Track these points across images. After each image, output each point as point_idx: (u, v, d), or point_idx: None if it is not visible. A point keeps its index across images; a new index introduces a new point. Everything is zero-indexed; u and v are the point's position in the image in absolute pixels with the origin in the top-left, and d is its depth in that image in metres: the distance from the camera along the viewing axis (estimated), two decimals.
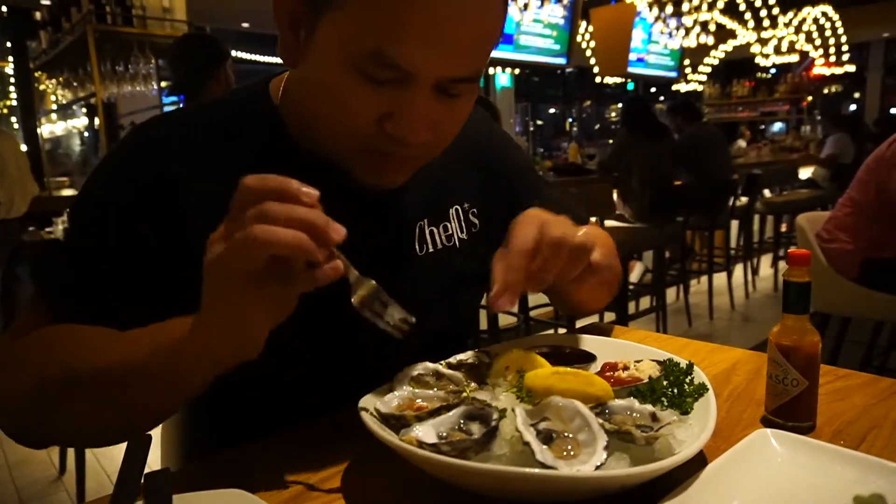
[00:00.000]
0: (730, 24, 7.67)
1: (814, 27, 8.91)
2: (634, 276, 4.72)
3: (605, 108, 16.38)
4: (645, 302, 4.33)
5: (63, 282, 0.71)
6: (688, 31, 6.97)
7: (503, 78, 9.31)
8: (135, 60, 4.25)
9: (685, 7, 6.65)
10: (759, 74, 11.89)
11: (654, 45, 7.09)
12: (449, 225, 0.86)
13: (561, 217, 0.66)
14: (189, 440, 0.95)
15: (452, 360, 0.72)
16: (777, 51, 8.72)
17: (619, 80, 7.75)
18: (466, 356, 0.72)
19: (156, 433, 0.67)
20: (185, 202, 0.69)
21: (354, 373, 0.70)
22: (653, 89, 14.17)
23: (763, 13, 7.76)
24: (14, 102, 7.88)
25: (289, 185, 0.53)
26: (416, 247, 0.82)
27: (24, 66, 6.82)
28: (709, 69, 9.08)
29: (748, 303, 4.81)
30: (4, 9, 6.77)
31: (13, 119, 8.34)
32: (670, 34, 6.94)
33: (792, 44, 8.70)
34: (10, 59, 7.37)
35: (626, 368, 0.66)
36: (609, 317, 3.71)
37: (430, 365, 0.67)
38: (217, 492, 0.55)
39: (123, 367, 0.61)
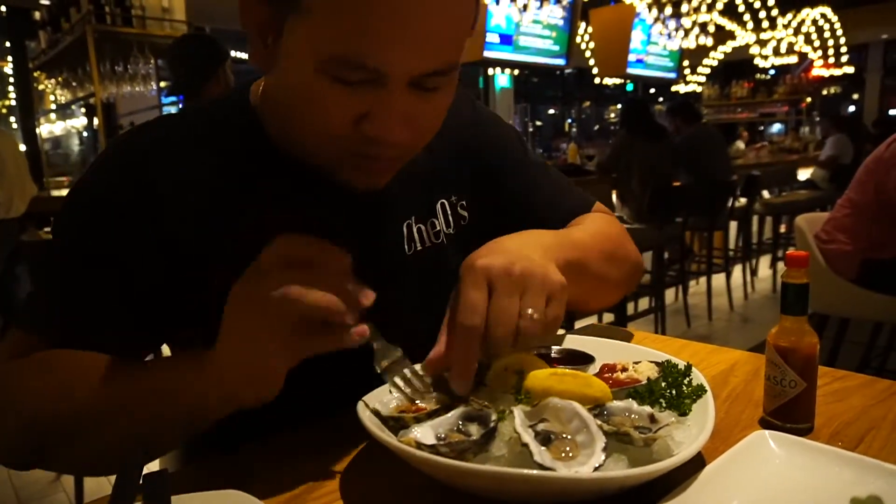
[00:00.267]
0: (729, 25, 7.68)
1: (813, 28, 8.93)
2: None
3: (604, 108, 16.38)
4: (644, 303, 4.33)
5: (52, 306, 0.71)
6: (687, 32, 6.98)
7: (502, 79, 9.32)
8: (134, 61, 4.24)
9: (684, 8, 6.66)
10: (758, 76, 11.91)
11: (653, 46, 7.09)
12: (436, 221, 0.85)
13: (518, 245, 0.65)
14: (188, 441, 0.94)
15: None
16: (776, 52, 8.74)
17: (618, 81, 7.75)
18: None
19: None
20: (167, 215, 0.69)
21: (353, 373, 0.70)
22: (652, 90, 14.17)
23: (762, 14, 7.78)
24: (13, 102, 7.88)
25: (323, 249, 0.56)
26: (405, 246, 0.81)
27: (24, 66, 6.82)
28: (708, 70, 9.10)
29: (747, 304, 4.82)
30: (3, 9, 6.76)
31: (12, 119, 8.33)
32: (669, 35, 6.95)
33: (791, 45, 8.72)
34: (10, 58, 7.37)
35: (624, 370, 0.66)
36: (608, 317, 3.71)
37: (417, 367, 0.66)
38: (216, 493, 0.55)
39: (128, 410, 0.63)
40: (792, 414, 0.66)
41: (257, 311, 0.55)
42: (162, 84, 4.78)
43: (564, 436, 0.54)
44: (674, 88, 8.91)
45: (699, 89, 10.03)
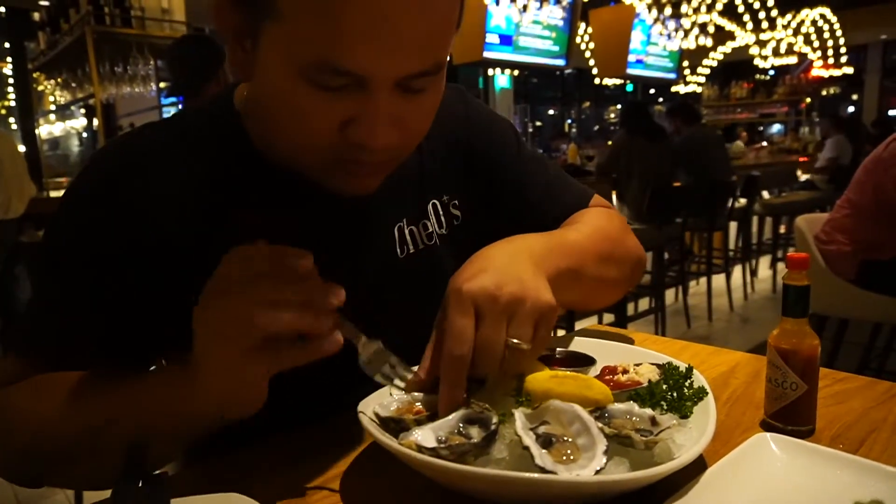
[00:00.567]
0: (728, 25, 7.69)
1: (812, 29, 8.94)
2: None
3: (603, 109, 16.39)
4: (644, 303, 4.33)
5: (41, 330, 0.71)
6: (686, 32, 6.99)
7: (502, 79, 9.33)
8: (133, 61, 4.24)
9: (684, 9, 6.67)
10: (757, 76, 11.92)
11: (652, 47, 7.10)
12: (428, 223, 0.83)
13: (504, 262, 0.63)
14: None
15: None
16: (775, 53, 8.75)
17: (617, 81, 7.75)
18: None
19: None
20: (151, 226, 0.68)
21: (352, 376, 0.70)
22: (651, 91, 14.19)
23: (761, 15, 7.79)
24: (13, 103, 7.87)
25: (282, 255, 0.53)
26: (398, 250, 0.80)
27: (23, 67, 6.82)
28: (707, 71, 9.11)
29: (747, 304, 4.82)
30: (3, 10, 6.76)
31: (11, 120, 8.33)
32: (669, 36, 6.96)
33: (790, 46, 8.73)
34: (9, 59, 7.37)
35: (625, 372, 0.66)
36: (608, 317, 3.71)
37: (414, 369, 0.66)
38: (216, 496, 0.55)
39: (119, 425, 0.62)
40: (793, 416, 0.66)
41: (226, 334, 0.53)
42: (162, 85, 4.78)
43: (565, 438, 0.54)
44: (673, 89, 8.91)
45: (699, 90, 10.04)
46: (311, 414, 0.73)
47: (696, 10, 6.74)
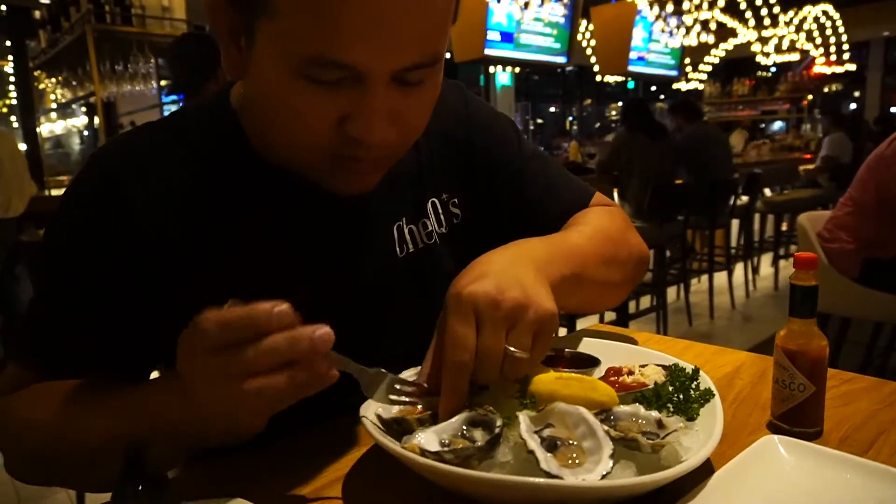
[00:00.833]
0: (730, 22, 7.66)
1: (814, 26, 8.90)
2: None
3: (605, 106, 16.37)
4: (645, 301, 4.32)
5: (40, 338, 0.70)
6: (688, 29, 6.96)
7: (503, 77, 9.31)
8: (134, 60, 4.24)
9: (686, 6, 6.64)
10: (759, 73, 11.89)
11: (654, 44, 7.07)
12: (428, 221, 0.82)
13: (505, 268, 0.61)
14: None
15: None
16: (777, 49, 8.71)
17: (619, 78, 7.73)
18: None
19: None
20: (148, 227, 0.67)
21: (353, 379, 0.70)
22: (653, 88, 14.16)
23: (763, 12, 7.76)
24: (14, 101, 7.87)
25: (257, 316, 0.49)
26: (397, 249, 0.79)
27: (24, 66, 6.81)
28: (709, 68, 9.08)
29: (748, 302, 4.81)
30: (4, 8, 6.75)
31: (13, 118, 8.33)
32: (671, 33, 6.93)
33: (792, 42, 8.70)
34: (10, 58, 7.36)
35: (630, 373, 0.65)
36: (609, 315, 3.70)
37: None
38: (217, 500, 0.54)
39: (118, 434, 0.61)
40: (800, 418, 0.65)
41: (217, 394, 0.51)
42: (162, 83, 4.77)
43: (571, 442, 0.53)
44: (675, 86, 8.89)
45: (700, 87, 10.02)
46: (312, 416, 0.72)
47: (698, 7, 6.71)
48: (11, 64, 7.39)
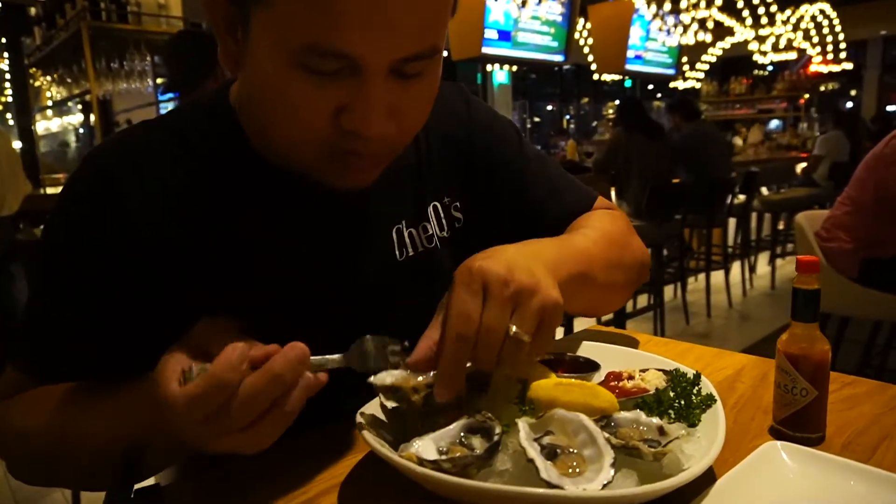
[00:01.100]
0: (728, 21, 7.67)
1: (811, 25, 8.91)
2: None
3: (602, 105, 16.36)
4: (643, 300, 4.32)
5: (36, 343, 0.70)
6: (686, 28, 6.96)
7: (500, 75, 9.30)
8: (130, 57, 4.21)
9: (683, 4, 6.64)
10: (756, 72, 11.90)
11: (651, 43, 7.07)
12: (428, 225, 0.81)
13: (515, 257, 0.60)
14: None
15: None
16: (775, 48, 8.72)
17: (616, 77, 7.73)
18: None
19: None
20: (144, 226, 0.66)
21: (350, 382, 0.69)
22: (650, 86, 14.16)
23: (761, 10, 7.76)
24: (9, 99, 7.82)
25: (224, 382, 0.49)
26: (396, 252, 0.78)
27: (19, 63, 6.77)
28: (706, 66, 9.09)
29: (745, 301, 4.81)
30: None
31: (8, 116, 8.28)
32: (668, 31, 6.93)
33: (790, 41, 8.70)
34: (5, 55, 7.32)
35: (630, 378, 0.64)
36: (607, 315, 3.69)
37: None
38: None
39: (111, 436, 0.62)
40: (803, 423, 0.64)
41: (220, 446, 0.52)
42: (159, 81, 4.74)
43: (571, 450, 0.52)
44: (672, 85, 8.90)
45: (698, 85, 10.03)
46: (307, 421, 0.71)
47: (696, 6, 6.71)
48: (6, 61, 7.35)
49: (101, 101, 4.63)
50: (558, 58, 6.07)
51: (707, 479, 0.52)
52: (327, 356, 0.56)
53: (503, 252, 0.62)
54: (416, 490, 0.53)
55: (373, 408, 0.62)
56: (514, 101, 10.86)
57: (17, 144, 4.91)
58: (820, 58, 9.63)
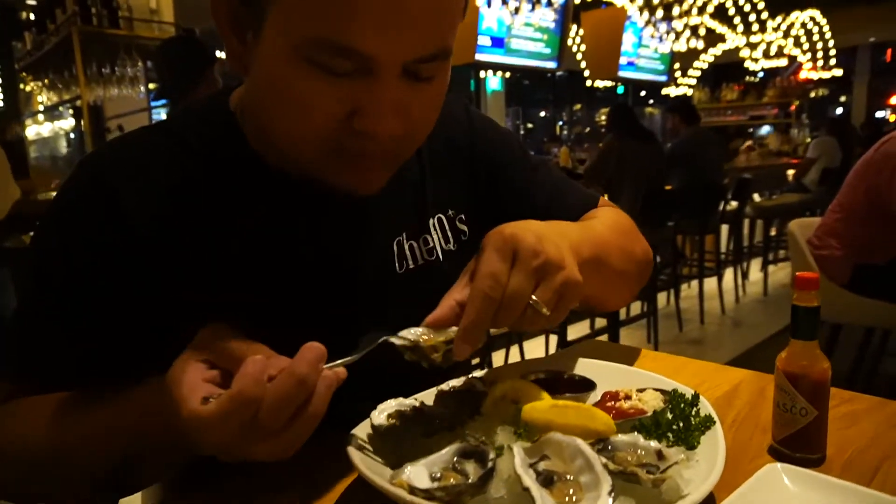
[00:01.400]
0: (719, 28, 7.70)
1: (801, 31, 8.97)
2: None
3: (595, 111, 16.43)
4: (636, 307, 4.31)
5: (28, 355, 0.68)
6: (678, 35, 6.99)
7: (493, 81, 9.30)
8: (121, 63, 4.18)
9: (675, 11, 6.67)
10: (747, 78, 11.96)
11: (644, 49, 7.10)
12: (430, 238, 0.81)
13: (547, 232, 0.61)
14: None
15: (445, 386, 0.68)
16: (766, 55, 8.77)
17: (609, 83, 7.75)
18: (459, 382, 0.69)
19: None
20: (142, 231, 0.65)
21: (344, 396, 0.67)
22: (643, 93, 14.22)
23: (752, 18, 7.80)
24: (0, 104, 7.76)
25: (251, 397, 0.48)
26: (396, 264, 0.77)
27: (10, 67, 6.72)
28: (698, 73, 9.11)
29: (738, 307, 4.81)
30: None
31: None
32: (660, 38, 6.95)
33: (780, 48, 8.75)
34: None
35: (627, 398, 0.63)
36: (600, 322, 3.69)
37: (406, 401, 0.63)
38: None
39: (102, 447, 0.60)
40: (803, 443, 0.63)
41: (248, 455, 0.52)
42: (151, 86, 4.71)
43: (567, 476, 0.50)
44: (664, 91, 8.92)
45: (690, 92, 10.05)
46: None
47: (688, 13, 6.74)
48: None
49: (92, 107, 4.60)
50: (551, 64, 6.08)
51: (707, 503, 0.51)
52: (342, 359, 0.56)
53: (533, 224, 0.63)
54: None
55: (364, 429, 0.61)
56: (507, 108, 10.88)
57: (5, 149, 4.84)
58: (810, 64, 9.70)
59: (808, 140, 8.02)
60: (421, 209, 0.81)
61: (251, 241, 0.69)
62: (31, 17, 5.20)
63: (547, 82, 14.48)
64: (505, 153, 0.89)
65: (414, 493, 0.48)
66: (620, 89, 10.75)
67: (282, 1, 0.54)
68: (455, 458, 0.53)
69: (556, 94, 15.12)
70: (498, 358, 3.29)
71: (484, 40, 5.35)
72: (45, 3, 4.63)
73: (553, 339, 3.45)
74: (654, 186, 4.14)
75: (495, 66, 5.85)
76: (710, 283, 4.62)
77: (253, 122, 0.69)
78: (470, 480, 0.50)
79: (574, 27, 6.56)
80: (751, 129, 12.64)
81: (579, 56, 7.08)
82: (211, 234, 0.67)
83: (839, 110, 13.68)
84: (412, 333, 0.58)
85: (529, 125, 15.15)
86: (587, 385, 0.68)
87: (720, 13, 7.25)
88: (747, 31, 8.03)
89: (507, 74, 7.83)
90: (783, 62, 9.22)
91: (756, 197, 5.77)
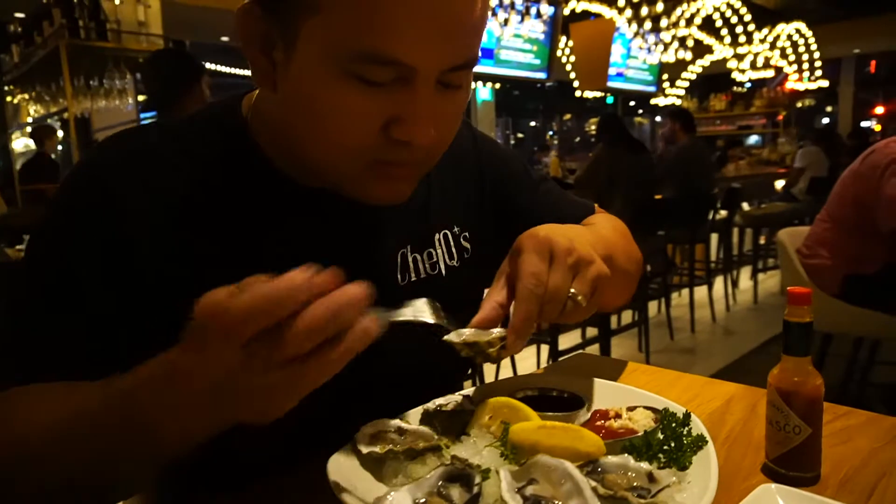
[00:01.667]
0: (707, 39, 7.79)
1: (788, 43, 9.08)
2: None
3: (584, 121, 16.53)
4: (627, 316, 4.31)
5: (21, 359, 0.64)
6: (666, 46, 7.05)
7: (483, 92, 9.33)
8: (109, 75, 4.15)
9: (664, 23, 6.73)
10: (735, 89, 12.08)
11: (633, 60, 7.16)
12: (434, 252, 0.81)
13: (572, 234, 0.65)
14: (161, 485, 0.88)
15: (431, 405, 0.67)
16: (753, 66, 8.86)
17: (598, 94, 7.80)
18: (447, 401, 0.67)
19: None
20: (141, 234, 0.63)
21: (334, 413, 0.65)
22: (632, 103, 14.34)
23: (739, 29, 7.89)
24: None
25: (291, 294, 0.43)
26: (399, 276, 0.77)
27: None
28: (687, 84, 9.19)
29: (729, 315, 4.82)
30: None
31: None
32: (649, 49, 7.01)
33: (767, 59, 8.85)
34: None
35: (618, 417, 0.61)
36: (591, 332, 3.67)
37: (391, 422, 0.61)
38: None
39: (84, 449, 0.56)
40: (797, 462, 0.61)
41: (254, 385, 0.45)
42: (140, 98, 4.68)
43: (556, 502, 0.49)
44: (653, 101, 8.98)
45: (678, 102, 10.14)
46: (285, 458, 0.67)
47: (676, 25, 6.81)
48: None
49: (80, 120, 4.56)
50: (541, 75, 6.11)
51: None
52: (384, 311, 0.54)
53: (558, 227, 0.68)
54: None
55: (346, 453, 0.59)
56: (497, 118, 10.92)
57: None
58: (796, 75, 9.81)
59: (797, 148, 8.08)
60: (427, 224, 0.81)
61: (252, 242, 0.68)
62: (19, 29, 5.16)
63: (537, 92, 14.56)
64: (510, 173, 0.91)
65: None
66: (610, 99, 10.83)
67: (319, 16, 0.54)
68: (440, 483, 0.51)
69: (546, 104, 15.21)
70: (489, 369, 3.26)
71: None
72: (32, 16, 4.60)
73: (545, 348, 3.43)
74: (644, 196, 4.15)
75: (485, 77, 5.88)
76: (701, 292, 4.62)
77: (273, 136, 0.69)
78: None
79: (563, 38, 6.60)
80: (739, 139, 12.77)
81: (569, 67, 7.12)
82: (212, 241, 0.66)
83: (825, 120, 13.83)
84: (462, 333, 0.62)
85: (520, 135, 15.21)
86: (577, 403, 0.67)
87: (708, 25, 7.33)
88: (734, 42, 8.12)
89: (497, 85, 7.86)
90: (770, 73, 9.32)
91: (745, 206, 5.80)
